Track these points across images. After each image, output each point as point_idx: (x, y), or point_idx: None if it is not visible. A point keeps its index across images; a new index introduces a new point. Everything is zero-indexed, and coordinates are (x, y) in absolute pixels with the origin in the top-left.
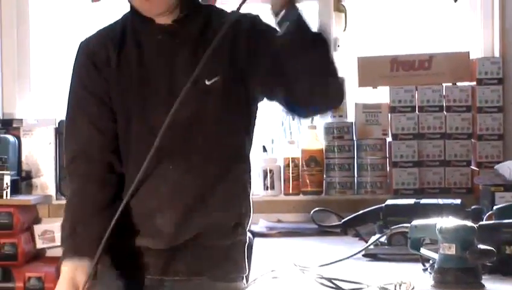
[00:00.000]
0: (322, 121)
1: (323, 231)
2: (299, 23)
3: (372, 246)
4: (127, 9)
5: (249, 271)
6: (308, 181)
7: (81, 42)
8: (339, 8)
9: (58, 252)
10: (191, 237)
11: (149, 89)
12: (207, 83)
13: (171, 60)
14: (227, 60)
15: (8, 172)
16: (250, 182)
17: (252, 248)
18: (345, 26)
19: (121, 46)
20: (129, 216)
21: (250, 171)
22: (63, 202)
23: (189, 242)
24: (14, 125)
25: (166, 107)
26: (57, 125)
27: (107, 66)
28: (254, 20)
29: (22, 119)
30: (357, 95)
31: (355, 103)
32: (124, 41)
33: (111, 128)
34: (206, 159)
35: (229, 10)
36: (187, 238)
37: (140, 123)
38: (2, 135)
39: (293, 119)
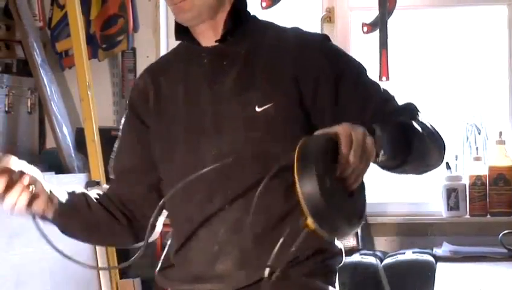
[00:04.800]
0: None
1: None
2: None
3: None
4: (291, 15)
5: None
6: (496, 201)
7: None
8: None
9: None
10: (260, 278)
11: (196, 120)
12: (258, 109)
13: (219, 85)
14: (286, 86)
15: None
16: None
17: (434, 273)
18: None
19: (166, 76)
20: (184, 260)
21: None
22: None
23: (261, 280)
24: None
25: (216, 139)
26: None
27: (147, 104)
28: (337, 54)
29: None
30: None
31: None
32: (171, 70)
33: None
34: (265, 194)
35: (278, 23)
36: (256, 279)
37: (187, 161)
38: None
39: None
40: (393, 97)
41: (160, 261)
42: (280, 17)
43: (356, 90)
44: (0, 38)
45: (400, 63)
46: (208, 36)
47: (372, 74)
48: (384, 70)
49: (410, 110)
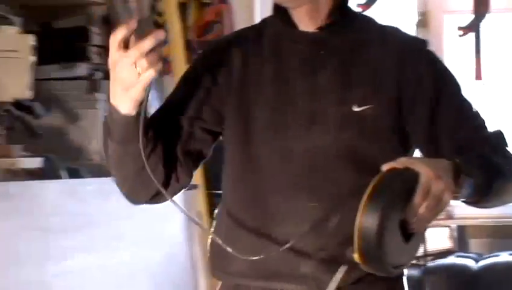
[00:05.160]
0: None
1: None
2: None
3: None
4: (385, 20)
5: None
6: None
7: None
8: None
9: None
10: (347, 283)
11: (286, 107)
12: (356, 109)
13: (313, 75)
14: (387, 88)
15: None
16: None
17: None
18: None
19: (253, 50)
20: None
21: None
22: None
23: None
24: None
25: (307, 132)
26: None
27: (229, 71)
28: (436, 65)
29: None
30: None
31: None
32: (258, 46)
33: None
34: (351, 196)
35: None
36: (342, 285)
37: (271, 147)
38: None
39: None
40: (483, 121)
41: (212, 254)
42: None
43: (454, 114)
44: (101, 45)
45: (495, 65)
46: (304, 21)
47: (467, 76)
48: (478, 73)
49: (498, 141)
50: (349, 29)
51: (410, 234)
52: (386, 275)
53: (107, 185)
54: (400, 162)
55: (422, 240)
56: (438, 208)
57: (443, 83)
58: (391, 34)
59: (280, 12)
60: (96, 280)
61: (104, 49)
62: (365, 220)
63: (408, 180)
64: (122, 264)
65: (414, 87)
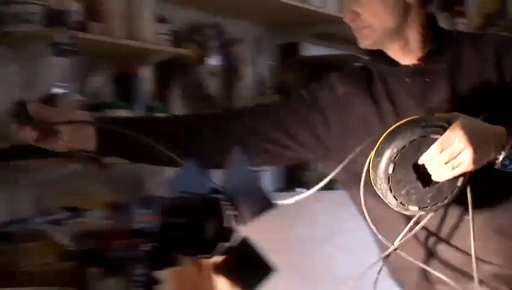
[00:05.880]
0: None
1: None
2: None
3: None
4: None
5: None
6: None
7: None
8: None
9: None
10: None
11: None
12: None
13: (426, 102)
14: (494, 90)
15: None
16: None
17: None
18: None
19: (370, 91)
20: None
21: None
22: None
23: None
24: None
25: None
26: None
27: (345, 111)
28: None
29: None
30: None
31: None
32: (372, 83)
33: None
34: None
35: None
36: None
37: None
38: None
39: None
40: None
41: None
42: None
43: None
44: None
45: None
46: (400, 56)
47: None
48: None
49: None
50: (444, 49)
51: (434, 182)
52: (399, 210)
53: None
54: (447, 114)
55: (450, 191)
56: (453, 164)
57: None
58: (485, 37)
59: (377, 53)
60: None
61: None
62: (380, 148)
63: (435, 129)
64: None
65: None
